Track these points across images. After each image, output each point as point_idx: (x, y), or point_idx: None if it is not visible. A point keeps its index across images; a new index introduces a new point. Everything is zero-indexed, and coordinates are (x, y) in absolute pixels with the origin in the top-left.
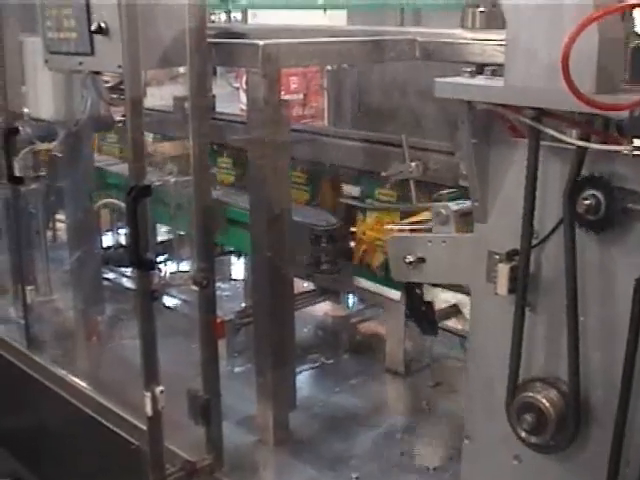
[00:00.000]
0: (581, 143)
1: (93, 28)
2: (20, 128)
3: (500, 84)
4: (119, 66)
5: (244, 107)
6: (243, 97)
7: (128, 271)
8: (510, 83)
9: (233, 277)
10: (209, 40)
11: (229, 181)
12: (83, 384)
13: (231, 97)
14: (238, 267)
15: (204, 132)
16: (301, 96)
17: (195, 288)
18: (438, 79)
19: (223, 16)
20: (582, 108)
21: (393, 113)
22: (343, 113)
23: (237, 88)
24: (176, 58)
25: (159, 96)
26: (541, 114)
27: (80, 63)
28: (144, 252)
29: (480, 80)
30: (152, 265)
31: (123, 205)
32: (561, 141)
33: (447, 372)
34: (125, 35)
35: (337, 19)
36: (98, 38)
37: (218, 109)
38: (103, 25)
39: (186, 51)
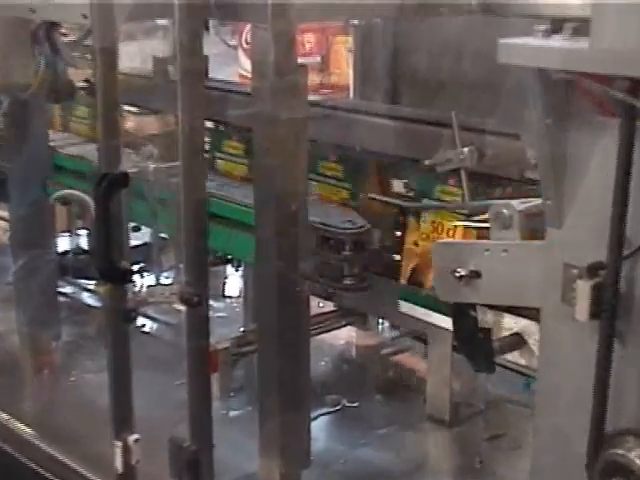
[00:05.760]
0: None
1: None
2: None
3: (585, 47)
4: (84, 15)
5: (245, 72)
6: (242, 58)
7: (91, 284)
8: (598, 46)
9: (228, 293)
10: None
11: (240, 173)
12: (30, 431)
13: (226, 58)
14: (234, 280)
15: (197, 104)
16: (318, 59)
17: (182, 307)
18: (502, 40)
19: None
20: None
21: (439, 83)
22: (374, 82)
23: (234, 47)
24: (160, 8)
25: (128, 55)
26: (638, 85)
27: (31, 10)
28: (117, 260)
29: (557, 41)
30: (128, 277)
31: (87, 198)
32: None
33: (507, 421)
34: None
35: None
36: None
37: (211, 74)
38: None
39: None
